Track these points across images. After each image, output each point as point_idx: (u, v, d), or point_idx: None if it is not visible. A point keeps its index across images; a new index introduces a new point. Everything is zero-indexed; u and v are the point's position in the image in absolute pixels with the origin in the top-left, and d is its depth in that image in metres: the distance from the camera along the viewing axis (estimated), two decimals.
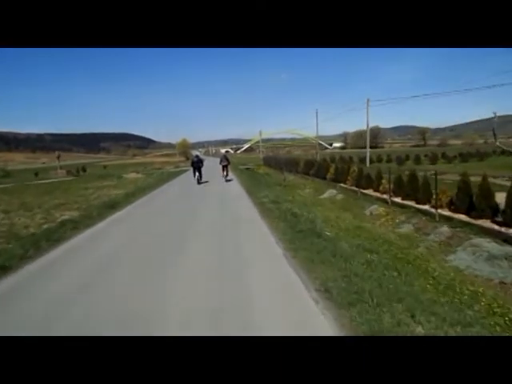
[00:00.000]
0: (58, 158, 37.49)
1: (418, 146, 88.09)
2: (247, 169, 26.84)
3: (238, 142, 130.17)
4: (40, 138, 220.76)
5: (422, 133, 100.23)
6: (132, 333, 2.66)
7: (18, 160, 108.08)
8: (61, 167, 35.67)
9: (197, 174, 14.33)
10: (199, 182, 14.27)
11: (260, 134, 77.27)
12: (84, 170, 37.81)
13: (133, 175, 25.88)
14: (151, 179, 20.35)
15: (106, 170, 45.40)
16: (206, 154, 77.46)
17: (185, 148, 79.60)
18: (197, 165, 14.36)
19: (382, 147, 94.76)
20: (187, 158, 61.14)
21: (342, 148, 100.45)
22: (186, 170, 26.37)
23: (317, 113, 40.94)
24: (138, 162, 68.74)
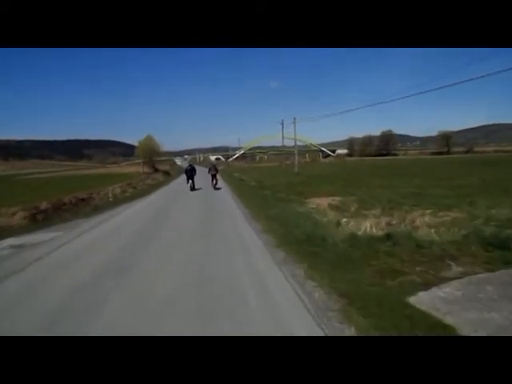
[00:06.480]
0: None
1: (441, 153, 70.19)
2: None
3: (226, 150, 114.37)
4: (20, 144, 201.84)
5: (446, 138, 78.89)
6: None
7: None
8: None
9: (190, 181, 15.80)
10: (192, 189, 15.56)
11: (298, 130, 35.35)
12: None
13: None
14: None
15: None
16: (193, 161, 56.63)
17: (148, 152, 42.88)
18: (190, 173, 15.80)
19: (396, 155, 78.95)
20: (155, 170, 39.48)
21: (348, 155, 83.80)
22: None
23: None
24: (88, 174, 36.52)
